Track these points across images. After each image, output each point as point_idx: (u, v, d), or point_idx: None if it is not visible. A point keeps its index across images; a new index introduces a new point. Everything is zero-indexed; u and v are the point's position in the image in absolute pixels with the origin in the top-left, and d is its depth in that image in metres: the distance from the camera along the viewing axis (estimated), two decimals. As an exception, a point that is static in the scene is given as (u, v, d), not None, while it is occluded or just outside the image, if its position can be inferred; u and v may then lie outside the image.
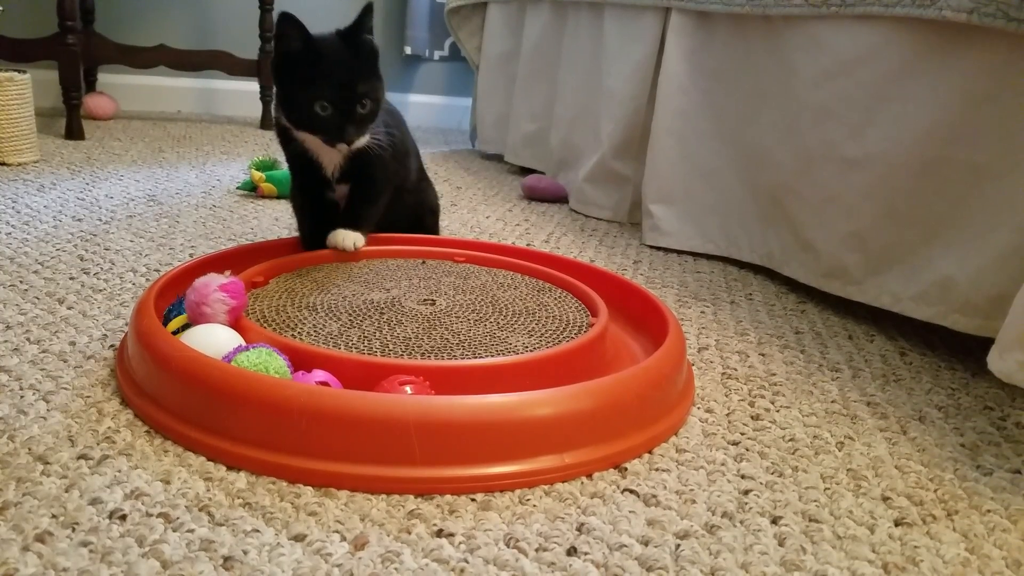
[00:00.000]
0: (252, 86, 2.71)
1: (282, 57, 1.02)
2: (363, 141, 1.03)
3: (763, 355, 1.05)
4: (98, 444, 0.70)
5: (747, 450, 0.79)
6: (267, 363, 0.73)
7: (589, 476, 0.71)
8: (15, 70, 1.81)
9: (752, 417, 0.87)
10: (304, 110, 1.01)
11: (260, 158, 1.83)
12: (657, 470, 0.74)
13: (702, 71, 1.51)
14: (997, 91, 0.98)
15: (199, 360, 0.73)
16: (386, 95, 1.13)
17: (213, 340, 0.78)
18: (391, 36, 3.16)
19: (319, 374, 0.74)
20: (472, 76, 2.74)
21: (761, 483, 0.73)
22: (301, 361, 0.77)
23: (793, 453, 0.79)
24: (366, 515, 0.63)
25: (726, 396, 0.92)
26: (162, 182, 1.79)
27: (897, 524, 0.68)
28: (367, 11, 1.04)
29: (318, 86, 1.00)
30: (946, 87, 1.04)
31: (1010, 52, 0.96)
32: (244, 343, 0.80)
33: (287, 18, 0.99)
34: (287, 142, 1.11)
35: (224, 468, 0.68)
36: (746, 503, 0.69)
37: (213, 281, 0.84)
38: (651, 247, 1.59)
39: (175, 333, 0.82)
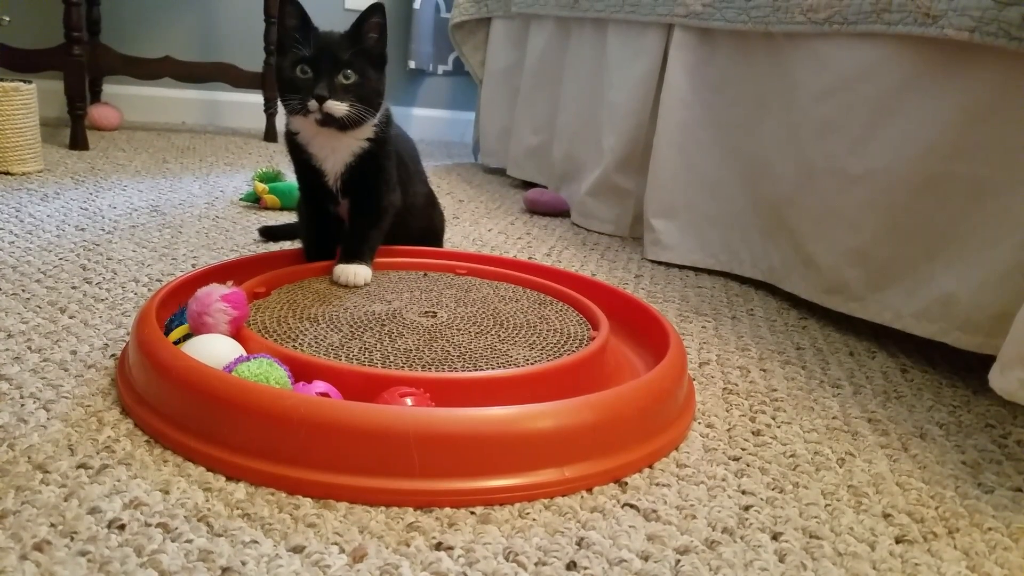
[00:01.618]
0: (256, 98, 2.72)
1: (280, 34, 1.06)
2: (340, 110, 1.03)
3: (764, 370, 1.05)
4: (98, 453, 0.70)
5: (748, 465, 0.79)
6: (268, 374, 0.73)
7: (589, 490, 0.71)
8: (20, 80, 1.82)
9: (753, 432, 0.87)
10: (288, 75, 1.04)
11: (264, 170, 1.84)
12: (657, 485, 0.74)
13: (704, 85, 1.52)
14: (998, 107, 0.99)
15: (200, 370, 0.73)
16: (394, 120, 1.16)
17: (214, 350, 0.78)
18: (395, 50, 3.17)
19: (319, 385, 0.74)
20: (475, 90, 2.75)
21: (762, 499, 0.73)
22: (302, 372, 0.77)
23: (794, 469, 0.79)
24: (365, 527, 0.63)
25: (727, 411, 0.92)
26: (165, 193, 1.79)
27: (898, 541, 0.68)
28: (370, 10, 1.06)
29: (302, 51, 1.03)
30: (948, 103, 1.04)
31: (1011, 69, 0.97)
32: (245, 353, 0.80)
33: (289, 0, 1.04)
34: (292, 149, 1.12)
35: (223, 478, 0.68)
36: (747, 519, 0.69)
37: (215, 291, 0.84)
38: (652, 261, 1.59)
39: (177, 343, 0.82)
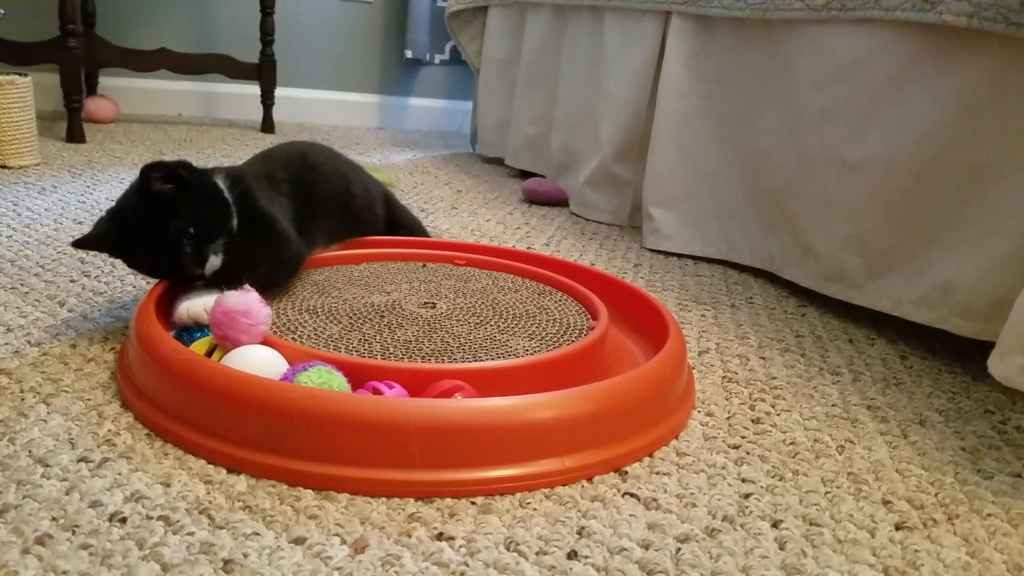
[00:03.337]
0: (253, 89, 2.71)
1: None
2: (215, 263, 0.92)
3: (764, 359, 1.05)
4: (98, 447, 0.70)
5: (748, 454, 0.79)
6: (329, 381, 0.72)
7: (590, 479, 0.71)
8: (16, 73, 1.81)
9: (753, 421, 0.87)
10: None
11: (261, 161, 1.83)
12: (658, 474, 0.74)
13: (702, 74, 1.51)
14: (997, 94, 0.99)
15: (199, 363, 0.73)
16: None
17: (260, 361, 0.76)
18: (392, 40, 3.16)
19: (381, 386, 0.74)
20: (473, 80, 2.74)
21: (762, 487, 0.73)
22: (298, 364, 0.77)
23: (794, 457, 0.79)
24: (366, 518, 0.63)
25: (727, 400, 0.92)
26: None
27: (898, 528, 0.68)
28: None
29: None
30: (946, 90, 1.04)
31: (1010, 55, 0.97)
32: (283, 359, 0.77)
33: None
34: None
35: (224, 471, 0.68)
36: (747, 507, 0.69)
37: (235, 305, 0.80)
38: (651, 250, 1.59)
39: (208, 355, 0.79)
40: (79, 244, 0.90)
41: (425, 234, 1.36)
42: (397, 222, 1.32)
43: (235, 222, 0.94)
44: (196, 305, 0.87)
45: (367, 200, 1.25)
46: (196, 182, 0.93)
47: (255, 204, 0.99)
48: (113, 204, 0.94)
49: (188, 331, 0.86)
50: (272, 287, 0.99)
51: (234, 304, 0.79)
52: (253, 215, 0.97)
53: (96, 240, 0.91)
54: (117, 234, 0.91)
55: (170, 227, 0.89)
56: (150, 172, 0.89)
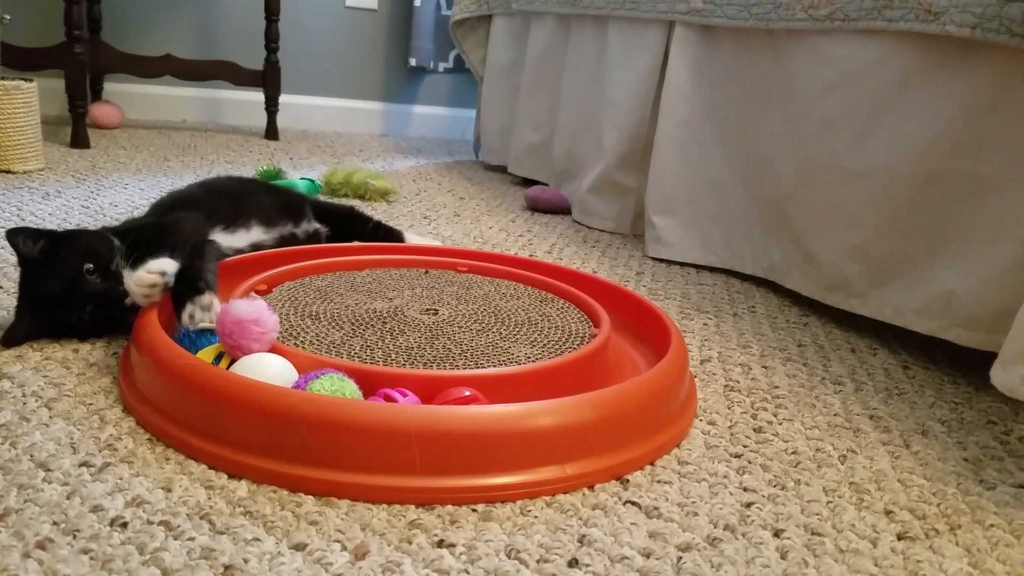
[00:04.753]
0: (257, 96, 2.72)
1: None
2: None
3: (766, 367, 1.05)
4: (100, 451, 0.70)
5: (749, 462, 0.79)
6: (342, 388, 0.72)
7: (591, 487, 0.71)
8: (22, 78, 1.82)
9: (755, 430, 0.87)
10: None
11: (265, 167, 1.84)
12: (659, 482, 0.74)
13: (705, 82, 1.51)
14: (999, 103, 0.99)
15: (201, 368, 0.73)
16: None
17: (272, 369, 0.76)
18: (396, 48, 3.17)
19: (395, 393, 0.74)
20: (476, 87, 2.75)
21: (763, 496, 0.73)
22: (303, 370, 0.77)
23: (795, 466, 0.79)
24: (367, 524, 0.63)
25: (728, 408, 0.92)
26: (167, 191, 1.79)
27: (900, 538, 0.68)
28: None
29: None
30: (948, 99, 1.04)
31: (1012, 65, 0.97)
32: (292, 366, 0.77)
33: None
34: None
35: (225, 476, 0.68)
36: (748, 516, 0.69)
37: (245, 314, 0.79)
38: (654, 259, 1.59)
39: (215, 362, 0.79)
40: (7, 343, 0.90)
41: (352, 213, 1.43)
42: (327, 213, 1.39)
43: (117, 242, 0.95)
44: (153, 267, 0.89)
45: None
46: (60, 232, 0.95)
47: (138, 224, 1.05)
48: (17, 298, 0.94)
49: (193, 339, 0.86)
50: (210, 256, 0.99)
51: (245, 313, 0.79)
52: (143, 228, 1.02)
53: (24, 330, 0.91)
54: (37, 316, 0.91)
55: (69, 275, 0.90)
56: (16, 237, 0.91)
